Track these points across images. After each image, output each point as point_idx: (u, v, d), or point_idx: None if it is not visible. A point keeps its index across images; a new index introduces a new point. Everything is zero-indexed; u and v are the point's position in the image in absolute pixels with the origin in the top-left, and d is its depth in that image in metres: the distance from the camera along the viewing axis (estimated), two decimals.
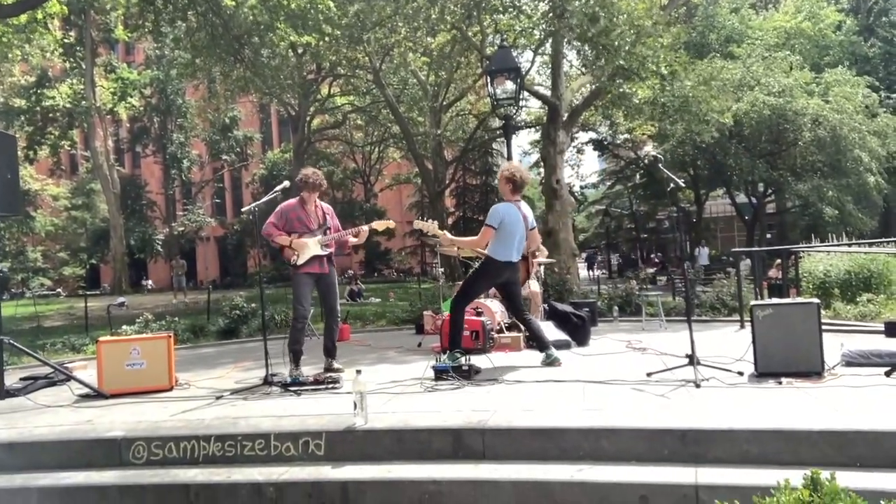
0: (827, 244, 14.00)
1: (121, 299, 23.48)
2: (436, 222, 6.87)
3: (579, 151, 39.40)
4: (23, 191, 6.57)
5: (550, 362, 6.23)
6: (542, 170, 29.54)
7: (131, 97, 34.90)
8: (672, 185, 5.58)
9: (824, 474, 2.18)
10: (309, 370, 6.41)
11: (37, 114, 32.27)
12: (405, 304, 14.74)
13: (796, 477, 3.38)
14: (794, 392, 4.64)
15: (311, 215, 6.48)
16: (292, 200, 6.49)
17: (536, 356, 7.04)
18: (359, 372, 4.43)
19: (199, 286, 37.77)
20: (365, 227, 6.68)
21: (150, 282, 42.99)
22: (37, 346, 10.16)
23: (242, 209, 6.79)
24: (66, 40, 29.19)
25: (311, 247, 6.37)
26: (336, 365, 6.56)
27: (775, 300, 5.93)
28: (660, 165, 5.65)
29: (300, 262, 6.33)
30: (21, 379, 6.70)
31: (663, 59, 13.82)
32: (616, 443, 3.92)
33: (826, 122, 23.43)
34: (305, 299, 6.42)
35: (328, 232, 6.54)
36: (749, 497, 3.37)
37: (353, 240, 6.68)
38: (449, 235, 6.83)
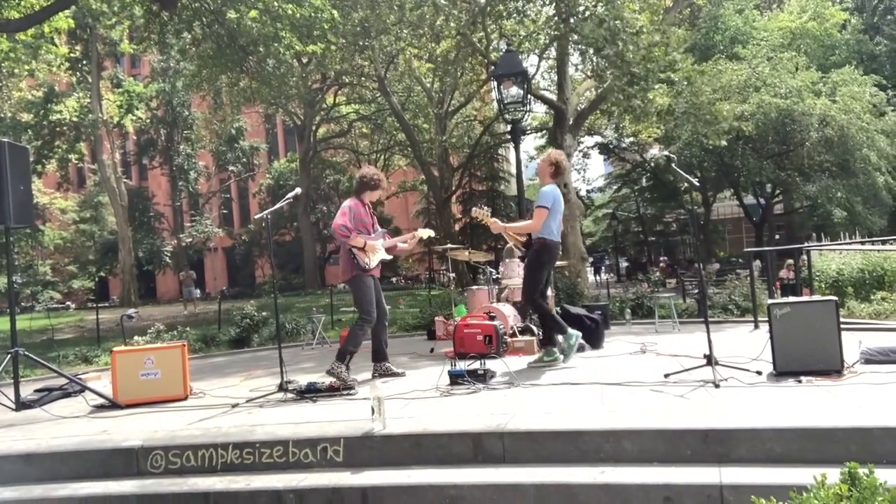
0: (839, 243, 13.93)
1: (131, 311, 23.51)
2: (489, 209, 6.96)
3: (585, 156, 39.40)
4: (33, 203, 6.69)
5: (552, 360, 6.39)
6: None
7: (137, 110, 35.07)
8: (687, 184, 5.55)
9: (862, 469, 2.14)
10: (318, 377, 6.35)
11: (44, 128, 32.47)
12: (415, 310, 14.72)
13: (822, 474, 3.37)
14: (815, 390, 4.59)
15: (369, 216, 6.50)
16: (354, 200, 6.38)
17: None
18: (376, 377, 4.41)
19: (207, 297, 37.79)
20: (416, 235, 6.78)
21: (197, 290, 42.06)
22: (50, 358, 10.17)
23: (255, 216, 6.82)
24: (72, 54, 29.37)
25: (379, 251, 6.36)
26: (396, 369, 6.51)
27: (792, 298, 5.88)
28: (673, 165, 5.63)
29: (372, 264, 6.27)
30: (36, 390, 6.69)
31: (680, 70, 13.84)
32: (638, 444, 3.88)
33: (833, 121, 23.34)
34: (373, 303, 6.34)
35: (386, 236, 6.58)
36: (774, 495, 3.35)
37: (402, 246, 6.77)
38: (500, 223, 6.79)
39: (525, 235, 6.71)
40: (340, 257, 6.38)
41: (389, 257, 6.53)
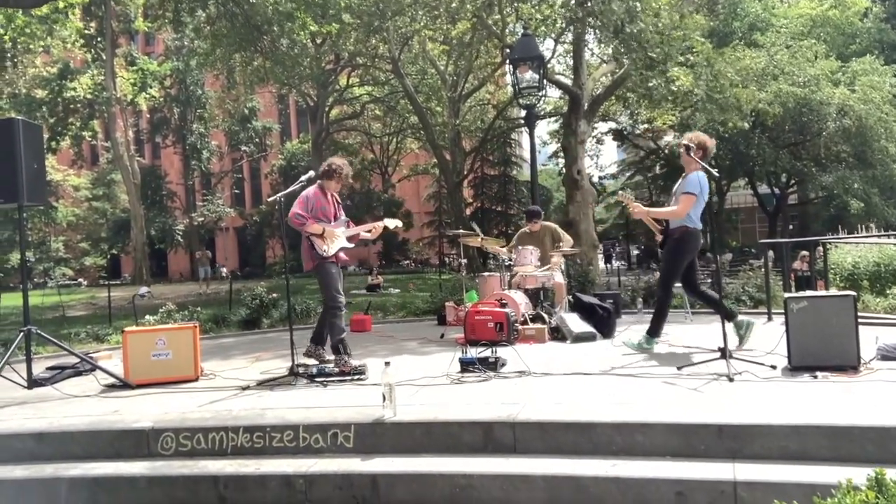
0: (856, 236, 13.78)
1: (144, 289, 23.64)
2: (632, 194, 6.72)
3: (599, 142, 39.10)
4: (46, 181, 6.64)
5: (744, 330, 6.14)
6: (561, 160, 29.38)
7: (151, 88, 35.02)
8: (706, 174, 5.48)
9: (890, 473, 2.08)
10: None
11: (58, 105, 32.47)
12: (425, 295, 14.69)
13: (838, 474, 3.32)
14: (831, 386, 4.54)
15: (331, 205, 6.45)
16: (314, 188, 6.36)
17: (561, 348, 7.02)
18: (387, 364, 4.39)
19: (218, 276, 37.92)
20: (379, 224, 6.73)
21: (224, 269, 43.32)
22: (61, 335, 10.22)
23: (268, 198, 6.81)
24: (86, 31, 29.31)
25: (339, 238, 6.34)
26: (328, 356, 6.45)
27: (810, 293, 5.81)
28: (691, 154, 5.54)
29: (330, 252, 6.25)
30: (48, 368, 6.72)
31: (699, 53, 13.68)
32: (650, 437, 3.85)
33: (852, 112, 23.05)
34: (339, 287, 6.34)
35: (349, 224, 6.55)
36: (788, 493, 3.31)
37: (366, 235, 6.73)
38: (642, 208, 6.55)
39: (664, 222, 6.42)
40: (301, 246, 6.33)
41: (351, 245, 6.51)
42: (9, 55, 25.31)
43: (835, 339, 4.94)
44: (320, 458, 4.18)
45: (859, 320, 5.08)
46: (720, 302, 6.09)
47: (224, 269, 42.38)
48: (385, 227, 6.75)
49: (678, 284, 6.54)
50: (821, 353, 4.95)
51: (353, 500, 3.91)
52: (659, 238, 6.54)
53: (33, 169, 6.16)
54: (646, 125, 32.16)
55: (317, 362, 6.27)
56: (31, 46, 22.51)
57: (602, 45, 16.75)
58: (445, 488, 3.82)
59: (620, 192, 6.69)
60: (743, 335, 6.14)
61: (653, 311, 6.70)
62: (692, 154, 5.74)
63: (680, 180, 6.03)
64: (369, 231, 6.68)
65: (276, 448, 4.31)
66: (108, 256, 45.47)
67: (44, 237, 42.81)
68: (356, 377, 5.67)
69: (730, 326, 6.08)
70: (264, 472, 4.09)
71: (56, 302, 17.52)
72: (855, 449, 3.54)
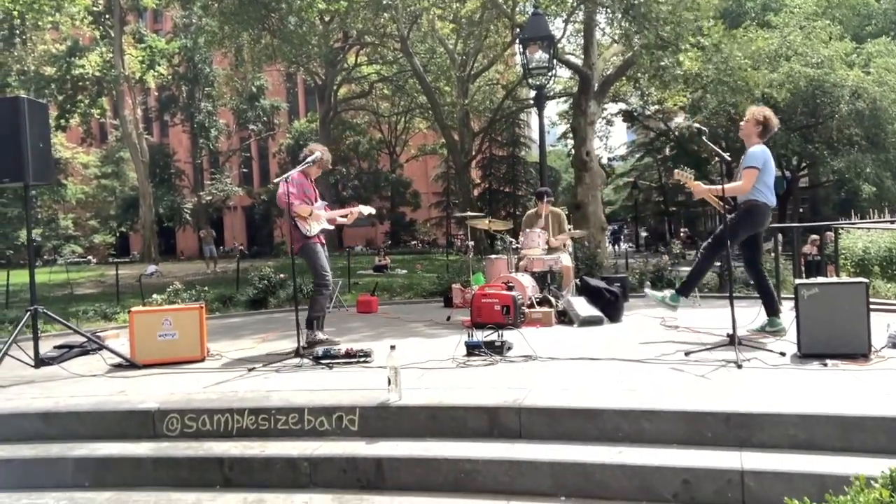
0: (868, 221, 13.63)
1: (153, 267, 23.69)
2: (692, 172, 6.40)
3: (608, 123, 38.82)
4: (54, 159, 6.60)
5: (776, 331, 5.90)
6: (570, 141, 29.20)
7: (159, 66, 34.85)
8: (717, 158, 5.41)
9: None
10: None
11: (67, 82, 32.38)
12: (432, 276, 14.66)
13: (848, 465, 3.29)
14: (841, 374, 4.49)
15: (312, 188, 6.67)
16: (297, 173, 6.49)
17: (568, 332, 6.98)
18: (393, 347, 4.36)
19: (234, 253, 38.03)
20: (355, 210, 6.94)
21: (240, 246, 44.30)
22: (69, 313, 10.26)
23: (276, 178, 6.98)
24: (94, 8, 29.14)
25: (322, 220, 6.56)
26: (323, 336, 6.55)
27: (821, 279, 5.74)
28: (704, 138, 5.46)
29: (313, 232, 6.44)
30: (55, 347, 6.73)
31: (707, 30, 13.51)
32: (657, 425, 3.81)
33: (866, 94, 22.80)
34: (326, 266, 6.54)
35: (326, 208, 6.79)
36: (797, 483, 3.28)
37: (342, 220, 6.93)
38: (703, 186, 6.26)
39: (730, 199, 6.06)
40: (289, 228, 6.50)
41: (331, 227, 6.77)
42: (17, 31, 25.26)
43: (845, 327, 4.88)
44: (325, 441, 4.17)
45: (871, 307, 5.01)
46: (773, 296, 5.97)
47: (240, 246, 43.07)
48: (360, 213, 6.97)
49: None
50: (831, 340, 4.89)
51: (358, 484, 3.90)
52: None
53: (39, 148, 6.11)
54: (656, 106, 31.87)
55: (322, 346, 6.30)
56: (40, 23, 22.45)
57: (613, 25, 16.52)
58: (450, 473, 3.80)
59: (677, 170, 6.38)
60: (770, 332, 5.95)
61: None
62: (705, 138, 5.63)
63: (743, 156, 5.84)
64: (345, 216, 6.91)
65: (281, 430, 4.30)
66: (117, 234, 45.63)
67: (53, 214, 42.93)
68: (362, 359, 5.65)
69: (762, 316, 6.05)
70: (269, 454, 4.08)
71: (65, 279, 17.58)
72: (866, 439, 3.50)
